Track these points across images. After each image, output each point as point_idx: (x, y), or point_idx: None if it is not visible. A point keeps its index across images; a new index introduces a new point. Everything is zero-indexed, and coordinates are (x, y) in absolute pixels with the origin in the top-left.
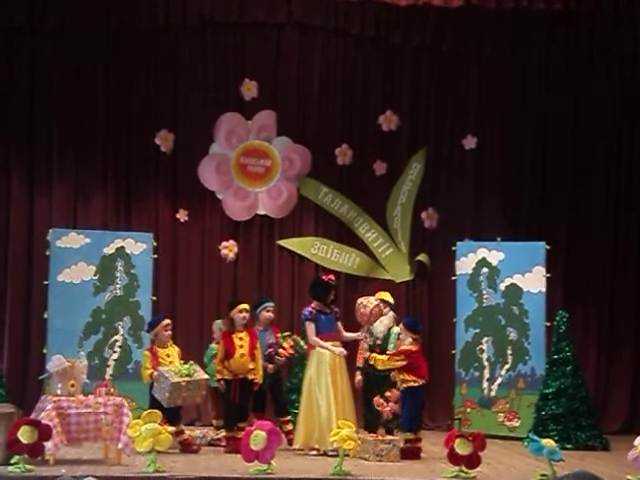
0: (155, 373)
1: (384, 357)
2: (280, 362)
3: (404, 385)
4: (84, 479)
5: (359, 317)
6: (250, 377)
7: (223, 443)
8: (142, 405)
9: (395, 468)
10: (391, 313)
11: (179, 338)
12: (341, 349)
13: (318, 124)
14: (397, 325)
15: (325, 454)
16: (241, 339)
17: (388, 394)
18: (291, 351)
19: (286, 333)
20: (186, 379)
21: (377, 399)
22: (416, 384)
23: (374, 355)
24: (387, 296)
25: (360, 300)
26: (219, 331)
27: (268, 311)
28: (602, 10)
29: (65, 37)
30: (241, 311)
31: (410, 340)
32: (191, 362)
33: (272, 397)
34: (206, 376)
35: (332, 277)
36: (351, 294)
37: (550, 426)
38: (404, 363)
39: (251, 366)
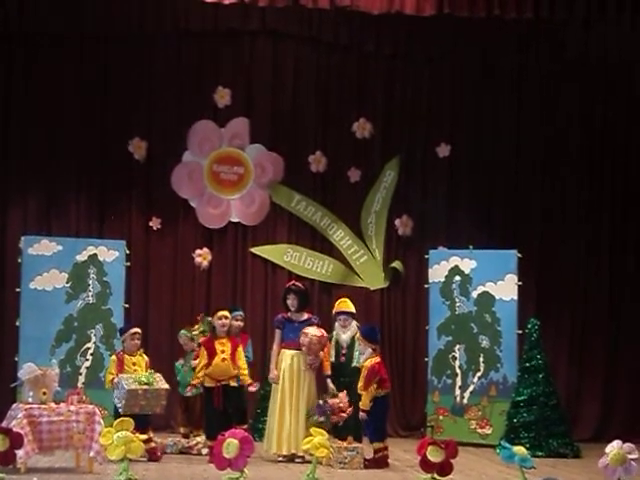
0: (115, 379)
1: (365, 393)
2: None
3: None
4: None
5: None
6: (233, 383)
7: (194, 452)
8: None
9: (368, 475)
10: (354, 322)
11: (150, 345)
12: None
13: (292, 131)
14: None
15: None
16: (222, 344)
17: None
18: None
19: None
20: (144, 387)
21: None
22: (382, 393)
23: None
24: (348, 304)
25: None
26: (190, 341)
27: (237, 320)
28: (573, 19)
29: (38, 44)
30: (220, 318)
31: (370, 351)
32: (151, 371)
33: None
34: (166, 386)
35: (294, 283)
36: (325, 301)
37: (522, 433)
38: (378, 377)
39: (234, 372)
